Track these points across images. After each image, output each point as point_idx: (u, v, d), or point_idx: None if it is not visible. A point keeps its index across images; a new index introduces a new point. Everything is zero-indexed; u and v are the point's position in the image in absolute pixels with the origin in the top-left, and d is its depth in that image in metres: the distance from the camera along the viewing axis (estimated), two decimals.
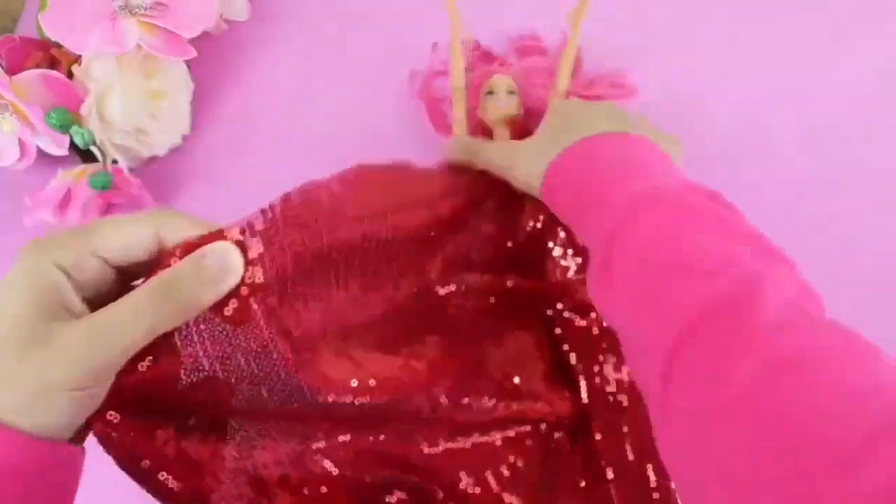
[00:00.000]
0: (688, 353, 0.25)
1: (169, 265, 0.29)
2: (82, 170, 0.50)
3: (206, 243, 0.29)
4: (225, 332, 0.30)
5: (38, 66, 0.52)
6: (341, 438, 0.34)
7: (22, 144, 0.50)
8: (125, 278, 0.30)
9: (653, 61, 0.52)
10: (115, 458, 0.30)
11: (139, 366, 0.28)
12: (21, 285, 0.27)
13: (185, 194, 0.55)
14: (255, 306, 0.30)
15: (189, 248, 0.29)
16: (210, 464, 0.32)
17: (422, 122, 0.53)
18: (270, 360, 0.31)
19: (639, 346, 0.29)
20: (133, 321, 0.28)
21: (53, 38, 0.49)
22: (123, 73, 0.50)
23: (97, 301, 0.29)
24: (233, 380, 0.31)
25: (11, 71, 0.49)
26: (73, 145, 0.50)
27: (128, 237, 0.29)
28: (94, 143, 0.50)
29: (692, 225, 0.29)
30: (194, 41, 0.51)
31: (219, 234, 0.30)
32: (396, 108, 0.55)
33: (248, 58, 0.59)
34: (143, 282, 0.29)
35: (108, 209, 0.53)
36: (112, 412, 0.29)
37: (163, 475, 0.30)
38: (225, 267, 0.30)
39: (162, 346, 0.29)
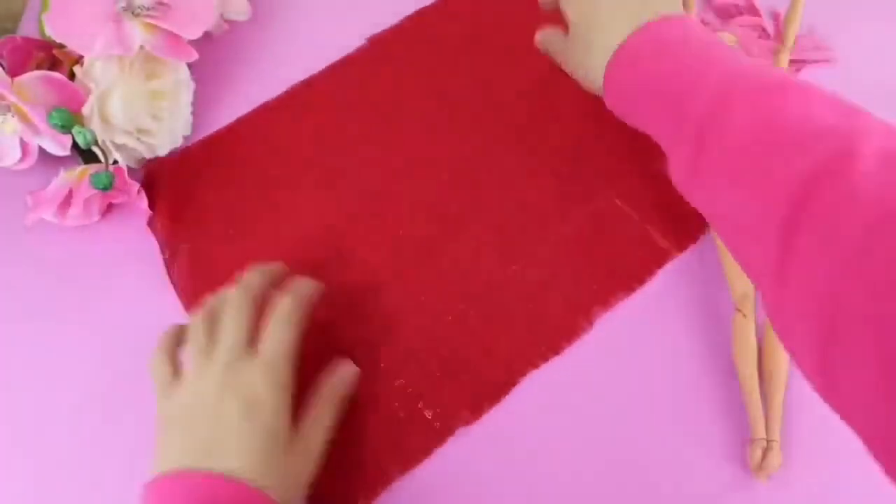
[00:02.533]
0: (805, 223, 0.28)
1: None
2: (84, 170, 0.50)
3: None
4: None
5: (39, 66, 0.52)
6: None
7: (23, 145, 0.50)
8: None
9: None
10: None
11: None
12: None
13: None
14: None
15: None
16: None
17: None
18: None
19: (741, 223, 0.32)
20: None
21: (57, 40, 0.50)
22: (125, 73, 0.50)
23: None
24: None
25: (13, 72, 0.49)
26: (74, 145, 0.50)
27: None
28: (96, 144, 0.50)
29: (781, 101, 0.32)
30: (194, 41, 0.52)
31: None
32: None
33: (248, 58, 0.59)
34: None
35: (109, 209, 0.53)
36: None
37: None
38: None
39: None
